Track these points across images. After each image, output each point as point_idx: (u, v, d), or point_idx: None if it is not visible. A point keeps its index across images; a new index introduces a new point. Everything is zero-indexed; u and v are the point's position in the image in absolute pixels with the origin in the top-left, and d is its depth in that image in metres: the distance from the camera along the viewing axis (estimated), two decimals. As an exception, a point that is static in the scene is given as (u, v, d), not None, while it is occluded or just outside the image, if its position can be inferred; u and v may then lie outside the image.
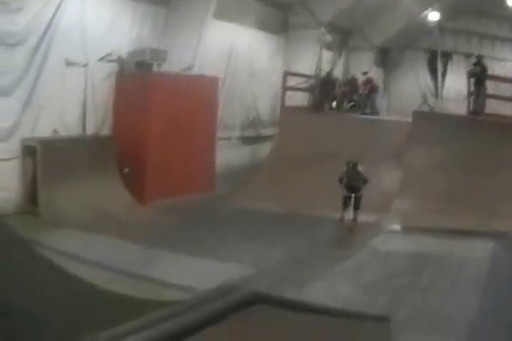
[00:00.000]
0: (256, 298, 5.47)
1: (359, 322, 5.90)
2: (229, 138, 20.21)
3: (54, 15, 13.80)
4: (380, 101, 25.06)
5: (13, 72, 13.06)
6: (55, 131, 14.38)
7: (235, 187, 16.84)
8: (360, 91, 22.47)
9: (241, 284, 7.95)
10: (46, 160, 13.43)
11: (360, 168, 13.99)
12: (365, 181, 13.91)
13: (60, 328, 6.20)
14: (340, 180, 13.98)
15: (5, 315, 6.13)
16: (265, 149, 19.91)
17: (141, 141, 15.33)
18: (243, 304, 5.27)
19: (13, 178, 13.39)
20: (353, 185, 13.91)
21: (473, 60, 18.57)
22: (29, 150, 13.49)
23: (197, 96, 16.64)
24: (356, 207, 14.04)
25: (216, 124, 18.04)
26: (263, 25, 21.68)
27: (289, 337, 5.24)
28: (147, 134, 15.47)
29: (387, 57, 31.20)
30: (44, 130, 14.09)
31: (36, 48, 13.49)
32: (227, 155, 19.05)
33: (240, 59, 20.60)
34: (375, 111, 22.50)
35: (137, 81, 15.46)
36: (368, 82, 22.98)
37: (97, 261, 10.26)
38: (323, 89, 20.95)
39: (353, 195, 13.94)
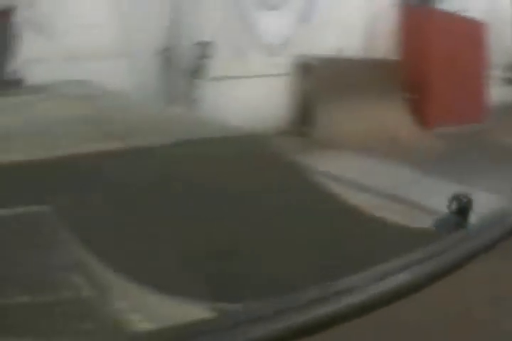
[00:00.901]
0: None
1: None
2: (495, 77, 18.23)
3: None
4: None
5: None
6: (339, 49, 12.35)
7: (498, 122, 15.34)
8: None
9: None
10: (325, 79, 11.72)
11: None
12: None
13: (314, 260, 4.29)
14: None
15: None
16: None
17: (426, 70, 14.08)
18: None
19: (283, 96, 11.68)
20: None
21: None
22: (305, 68, 11.71)
23: (471, 36, 15.43)
24: None
25: (486, 62, 16.44)
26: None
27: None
28: (431, 64, 14.24)
29: None
30: (324, 48, 12.12)
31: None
32: (494, 92, 17.01)
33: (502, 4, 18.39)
34: None
35: (422, 13, 14.20)
36: None
37: (368, 185, 8.97)
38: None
39: None
